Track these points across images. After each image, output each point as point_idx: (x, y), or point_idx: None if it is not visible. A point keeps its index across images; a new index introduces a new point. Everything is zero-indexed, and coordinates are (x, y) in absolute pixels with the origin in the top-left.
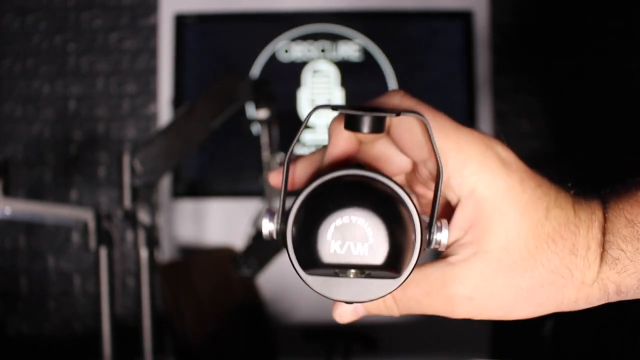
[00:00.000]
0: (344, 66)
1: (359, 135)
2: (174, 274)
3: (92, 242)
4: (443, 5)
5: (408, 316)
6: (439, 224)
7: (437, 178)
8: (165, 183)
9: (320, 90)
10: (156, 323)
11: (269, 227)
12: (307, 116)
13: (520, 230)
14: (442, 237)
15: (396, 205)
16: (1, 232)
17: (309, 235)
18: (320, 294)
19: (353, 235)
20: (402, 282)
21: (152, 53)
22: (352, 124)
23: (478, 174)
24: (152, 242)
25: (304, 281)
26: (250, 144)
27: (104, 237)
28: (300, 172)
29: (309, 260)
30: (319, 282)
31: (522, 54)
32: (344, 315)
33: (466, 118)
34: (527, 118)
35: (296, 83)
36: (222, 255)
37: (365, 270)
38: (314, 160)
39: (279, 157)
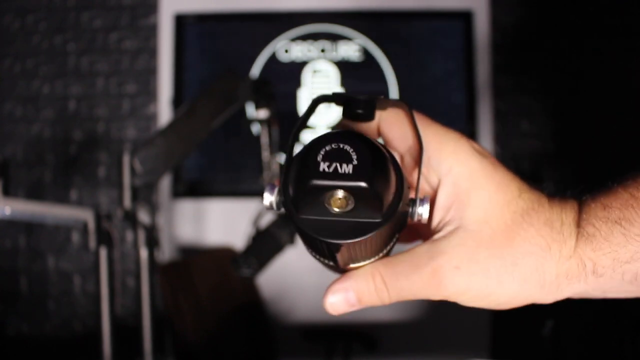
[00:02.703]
0: (344, 66)
1: (356, 124)
2: (174, 274)
3: (92, 242)
4: (443, 5)
5: (408, 315)
6: (421, 197)
7: (420, 155)
8: (165, 183)
9: (320, 90)
10: (156, 323)
11: (269, 199)
12: (309, 108)
13: (496, 204)
14: (423, 210)
15: (377, 147)
16: (1, 232)
17: (303, 166)
18: (310, 234)
19: (340, 157)
20: (385, 222)
21: (152, 53)
22: (348, 113)
23: (454, 154)
24: (152, 242)
25: (295, 223)
26: (250, 144)
27: (104, 237)
28: None
29: (304, 183)
30: (309, 224)
31: (522, 54)
32: (336, 305)
33: (466, 118)
34: (527, 118)
35: (296, 83)
36: (222, 255)
37: (350, 191)
38: None
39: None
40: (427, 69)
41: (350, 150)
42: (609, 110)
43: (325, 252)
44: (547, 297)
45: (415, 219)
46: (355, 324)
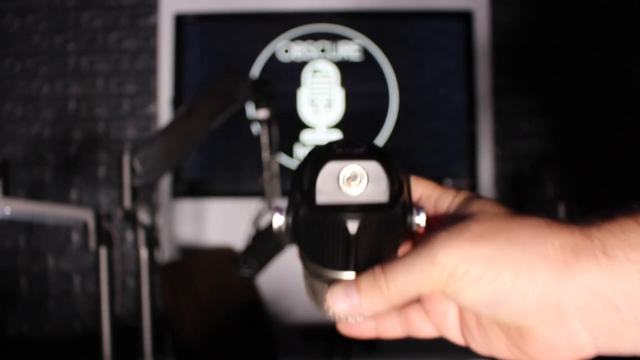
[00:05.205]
0: (344, 66)
1: None
2: (174, 274)
3: (92, 242)
4: (443, 5)
5: None
6: (417, 206)
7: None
8: (165, 183)
9: (320, 90)
10: (156, 323)
11: (279, 221)
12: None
13: (495, 205)
14: (420, 219)
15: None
16: (1, 232)
17: (318, 157)
18: (329, 214)
19: (352, 145)
20: (394, 202)
21: (152, 53)
22: None
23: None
24: (152, 242)
25: (313, 209)
26: (250, 144)
27: (104, 237)
28: None
29: (320, 164)
30: (326, 207)
31: (522, 54)
32: (336, 295)
33: (466, 118)
34: (527, 118)
35: (296, 83)
36: (222, 255)
37: (363, 169)
38: None
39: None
40: (427, 69)
41: (361, 144)
42: (609, 110)
43: (340, 240)
44: (555, 275)
45: (414, 227)
46: None
